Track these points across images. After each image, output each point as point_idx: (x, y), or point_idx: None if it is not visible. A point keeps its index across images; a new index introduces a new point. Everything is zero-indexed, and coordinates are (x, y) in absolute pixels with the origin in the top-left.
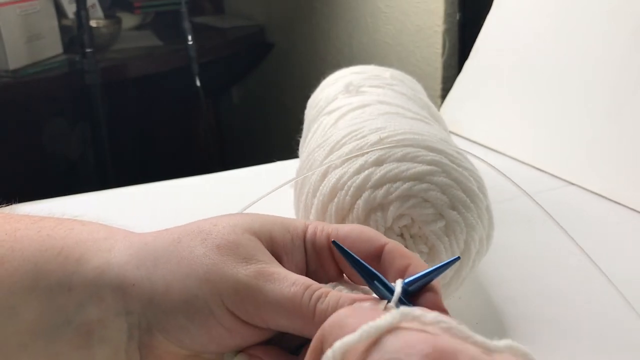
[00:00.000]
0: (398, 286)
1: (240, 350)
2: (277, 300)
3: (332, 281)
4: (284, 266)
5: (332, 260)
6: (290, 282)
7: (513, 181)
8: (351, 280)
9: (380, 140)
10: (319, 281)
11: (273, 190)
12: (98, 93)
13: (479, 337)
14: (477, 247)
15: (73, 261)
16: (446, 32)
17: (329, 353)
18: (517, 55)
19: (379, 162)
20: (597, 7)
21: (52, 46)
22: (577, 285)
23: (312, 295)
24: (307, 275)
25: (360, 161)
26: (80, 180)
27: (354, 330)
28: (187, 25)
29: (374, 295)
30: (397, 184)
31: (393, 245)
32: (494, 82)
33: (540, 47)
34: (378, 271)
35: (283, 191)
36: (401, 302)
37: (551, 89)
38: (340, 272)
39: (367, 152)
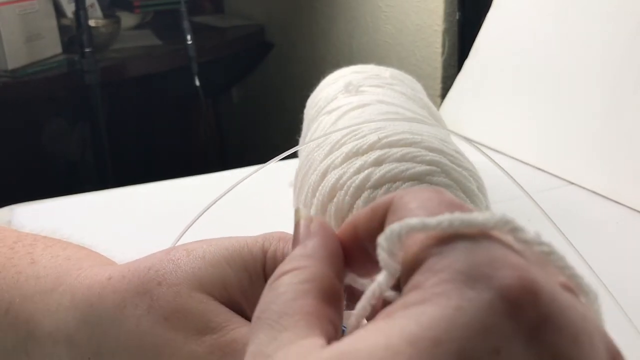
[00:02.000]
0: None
1: None
2: None
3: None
4: (244, 312)
5: None
6: (250, 350)
7: (510, 176)
8: None
9: (380, 140)
10: None
11: (226, 192)
12: (97, 93)
13: (577, 272)
14: None
15: (23, 323)
16: (446, 31)
17: (395, 226)
18: (517, 55)
19: (378, 162)
20: (597, 7)
21: (51, 46)
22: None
23: None
24: None
25: (359, 161)
26: (80, 180)
27: (432, 215)
28: (186, 24)
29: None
30: (397, 184)
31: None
32: (493, 81)
33: (540, 46)
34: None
35: (283, 191)
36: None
37: (551, 88)
38: None
39: (366, 152)
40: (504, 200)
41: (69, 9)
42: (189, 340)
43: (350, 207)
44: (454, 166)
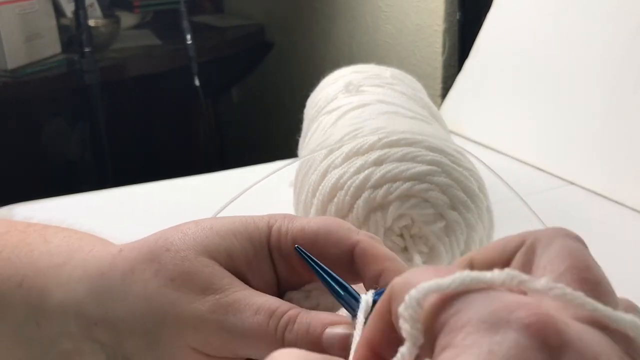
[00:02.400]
0: (363, 301)
1: None
2: (240, 332)
3: (307, 282)
4: (249, 281)
5: (302, 264)
6: (252, 310)
7: (499, 176)
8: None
9: (380, 140)
10: (293, 287)
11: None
12: (97, 93)
13: (600, 305)
14: (477, 248)
15: (36, 295)
16: (446, 31)
17: (412, 292)
18: (517, 55)
19: (378, 162)
20: (597, 7)
21: (50, 46)
22: None
23: (277, 324)
24: (279, 282)
25: (360, 161)
26: (80, 180)
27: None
28: (186, 24)
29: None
30: (397, 183)
31: (365, 245)
32: (494, 81)
33: (540, 46)
34: (352, 276)
35: (283, 191)
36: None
37: (551, 88)
38: (311, 273)
39: (367, 152)
40: (504, 200)
41: (69, 8)
42: (193, 300)
43: (351, 207)
44: (454, 166)
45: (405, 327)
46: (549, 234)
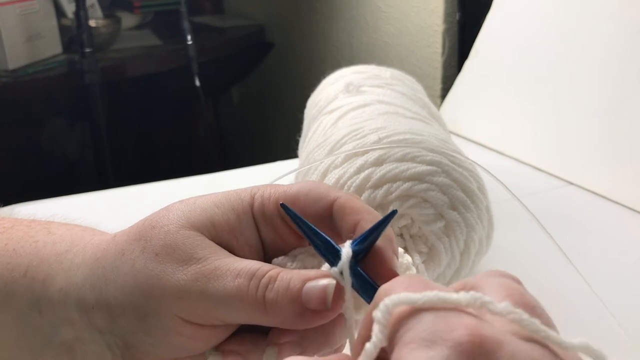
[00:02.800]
0: (344, 254)
1: (215, 348)
2: (223, 297)
3: (293, 248)
4: (234, 250)
5: (287, 227)
6: (233, 275)
7: (493, 175)
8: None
9: (380, 140)
10: (280, 252)
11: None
12: (97, 93)
13: (553, 333)
14: (476, 248)
15: (39, 283)
16: (446, 31)
17: (386, 300)
18: (517, 55)
19: (378, 162)
20: (597, 8)
21: (51, 46)
22: (577, 285)
23: (258, 285)
24: (264, 248)
25: (360, 161)
26: (80, 180)
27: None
28: (186, 24)
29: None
30: (397, 184)
31: (343, 200)
32: (494, 82)
33: (540, 47)
34: (332, 231)
35: None
36: (351, 269)
37: (551, 88)
38: (300, 237)
39: (367, 152)
40: (503, 200)
41: (69, 9)
42: (176, 271)
43: None
44: (454, 166)
45: (374, 329)
46: (486, 275)
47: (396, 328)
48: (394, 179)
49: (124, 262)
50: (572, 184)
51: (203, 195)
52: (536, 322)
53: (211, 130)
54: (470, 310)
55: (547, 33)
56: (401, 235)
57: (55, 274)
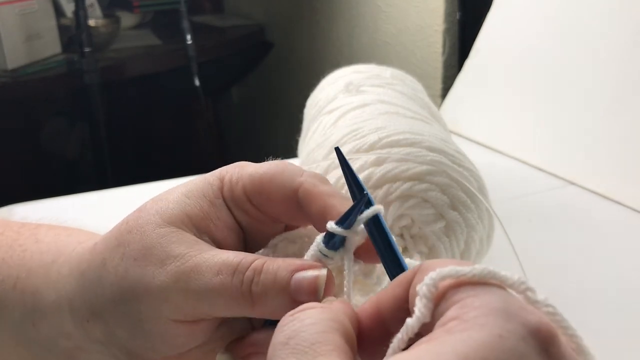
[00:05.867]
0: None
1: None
2: (206, 295)
3: (269, 228)
4: (215, 235)
5: (257, 210)
6: (213, 271)
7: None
8: (288, 223)
9: (380, 140)
10: (258, 232)
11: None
12: (97, 93)
13: (579, 335)
14: (477, 248)
15: (29, 296)
16: (446, 31)
17: (432, 274)
18: (517, 55)
19: (378, 162)
20: (597, 7)
21: (50, 46)
22: (578, 286)
23: (242, 279)
24: (243, 229)
25: (360, 161)
26: (79, 180)
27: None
28: (186, 24)
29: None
30: (397, 184)
31: (307, 185)
32: (494, 81)
33: (540, 46)
34: (301, 216)
35: None
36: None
37: (551, 88)
38: (273, 221)
39: (367, 152)
40: (504, 200)
41: (69, 8)
42: (156, 273)
43: None
44: (454, 166)
45: (418, 303)
46: (434, 263)
47: (447, 296)
48: (395, 178)
49: (107, 273)
50: (572, 183)
51: (174, 188)
52: (567, 321)
53: (211, 130)
54: (511, 291)
55: (547, 33)
56: (401, 236)
57: (45, 286)
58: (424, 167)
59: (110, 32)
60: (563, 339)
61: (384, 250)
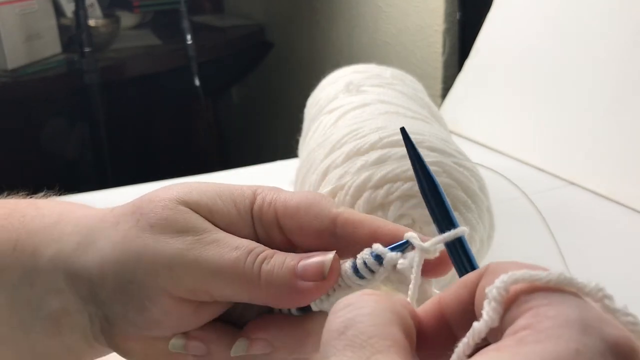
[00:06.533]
0: (418, 250)
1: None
2: (218, 266)
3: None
4: None
5: (280, 234)
6: (232, 246)
7: (503, 175)
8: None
9: (380, 139)
10: None
11: None
12: (97, 92)
13: None
14: (477, 248)
15: (28, 255)
16: (446, 31)
17: (504, 277)
18: (517, 55)
19: (379, 162)
20: (597, 8)
21: (50, 45)
22: None
23: (256, 258)
24: None
25: (360, 161)
26: (79, 180)
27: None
28: (186, 24)
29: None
30: (398, 184)
31: (348, 214)
32: (494, 81)
33: (540, 46)
34: (332, 246)
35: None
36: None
37: (552, 88)
38: (291, 244)
39: (367, 152)
40: (505, 200)
41: (69, 8)
42: (172, 240)
43: (351, 207)
44: (455, 166)
45: (487, 307)
46: (503, 265)
47: (519, 302)
48: (395, 179)
49: (117, 232)
50: (572, 183)
51: (206, 183)
52: None
53: (211, 130)
54: (588, 299)
55: (547, 33)
56: None
57: (45, 245)
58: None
59: (110, 32)
60: None
61: (468, 269)
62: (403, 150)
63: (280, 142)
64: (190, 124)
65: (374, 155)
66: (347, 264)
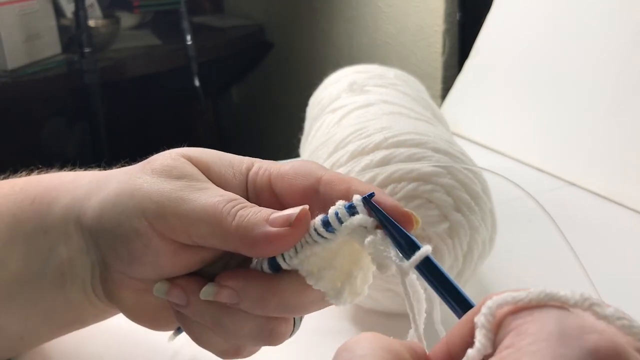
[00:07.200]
0: (423, 250)
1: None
2: (198, 206)
3: None
4: None
5: (271, 197)
6: (217, 194)
7: (509, 179)
8: None
9: (385, 140)
10: None
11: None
12: (97, 93)
13: None
14: (479, 250)
15: (45, 206)
16: (446, 31)
17: (489, 303)
18: (517, 55)
19: (384, 162)
20: (597, 8)
21: (50, 46)
22: (578, 287)
23: (235, 206)
24: None
25: (365, 161)
26: None
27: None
28: (186, 24)
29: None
30: (402, 184)
31: (331, 174)
32: (494, 82)
33: (540, 46)
34: (316, 204)
35: None
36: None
37: (552, 88)
38: (287, 205)
39: (372, 151)
40: (507, 201)
41: (69, 9)
42: (167, 182)
43: None
44: (459, 167)
45: (478, 335)
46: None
47: (505, 324)
48: (400, 179)
49: (124, 176)
50: (573, 184)
51: (209, 150)
52: None
53: (211, 130)
54: (577, 310)
55: (547, 33)
56: None
57: (62, 196)
58: (430, 168)
59: (110, 32)
60: (634, 355)
61: (446, 291)
62: (408, 151)
63: (280, 142)
64: (190, 124)
65: (378, 155)
66: (318, 217)
